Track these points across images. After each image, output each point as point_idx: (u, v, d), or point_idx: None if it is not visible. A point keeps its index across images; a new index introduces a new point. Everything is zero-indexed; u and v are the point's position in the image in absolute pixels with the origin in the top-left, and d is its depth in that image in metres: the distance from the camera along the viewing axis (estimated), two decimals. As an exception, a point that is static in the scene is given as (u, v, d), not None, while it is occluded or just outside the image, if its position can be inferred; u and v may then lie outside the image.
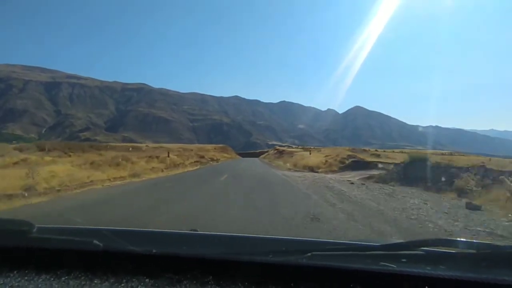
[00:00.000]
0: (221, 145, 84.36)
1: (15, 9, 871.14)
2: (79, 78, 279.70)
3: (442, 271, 0.83)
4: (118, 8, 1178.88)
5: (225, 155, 56.44)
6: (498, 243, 2.00)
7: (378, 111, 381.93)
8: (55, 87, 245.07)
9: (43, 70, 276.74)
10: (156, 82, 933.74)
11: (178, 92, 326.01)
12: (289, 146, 78.58)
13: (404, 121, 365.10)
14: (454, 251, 0.95)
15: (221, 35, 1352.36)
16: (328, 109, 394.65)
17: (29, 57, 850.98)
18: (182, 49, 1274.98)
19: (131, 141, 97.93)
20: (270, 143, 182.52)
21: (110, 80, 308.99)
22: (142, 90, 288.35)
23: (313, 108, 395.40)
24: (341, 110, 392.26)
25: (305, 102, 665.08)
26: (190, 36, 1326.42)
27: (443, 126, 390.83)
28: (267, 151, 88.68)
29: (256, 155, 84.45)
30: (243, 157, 74.57)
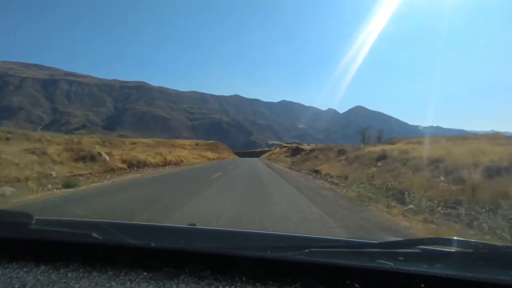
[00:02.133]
0: (211, 141, 71.82)
1: (15, 7, 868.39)
2: (77, 75, 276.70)
3: (438, 270, 0.84)
4: (118, 7, 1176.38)
5: (209, 154, 40.91)
6: (496, 243, 1.85)
7: (379, 111, 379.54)
8: (53, 84, 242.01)
9: (41, 67, 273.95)
10: (155, 80, 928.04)
11: (178, 91, 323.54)
12: (298, 143, 63.92)
13: (405, 121, 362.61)
14: (451, 250, 0.95)
15: (221, 34, 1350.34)
16: (329, 108, 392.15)
17: (28, 55, 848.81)
18: (182, 47, 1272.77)
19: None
20: (270, 142, 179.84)
21: (109, 78, 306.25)
22: (141, 88, 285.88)
23: (314, 107, 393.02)
24: (342, 109, 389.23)
25: (306, 102, 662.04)
26: (190, 34, 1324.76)
27: (444, 126, 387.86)
28: (269, 150, 76.79)
29: (256, 154, 76.26)
30: (241, 156, 65.92)
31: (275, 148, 69.32)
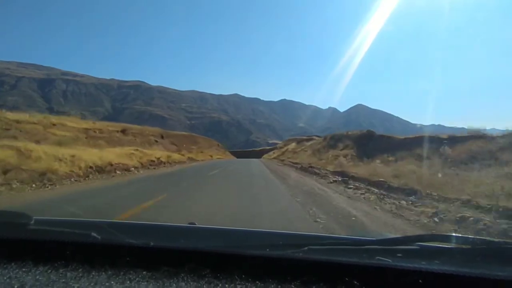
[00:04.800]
0: (185, 133, 52.63)
1: (15, 7, 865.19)
2: (74, 75, 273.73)
3: (436, 266, 0.84)
4: (118, 7, 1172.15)
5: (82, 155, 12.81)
6: (493, 239, 1.92)
7: (380, 109, 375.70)
8: (49, 84, 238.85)
9: (38, 67, 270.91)
10: (154, 79, 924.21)
11: (177, 90, 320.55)
12: (309, 137, 44.15)
13: (407, 119, 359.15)
14: (449, 246, 0.96)
15: (221, 33, 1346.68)
16: (329, 107, 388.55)
17: (27, 55, 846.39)
18: (182, 46, 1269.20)
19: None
20: (270, 141, 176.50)
21: (107, 77, 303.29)
22: (139, 88, 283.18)
23: (314, 106, 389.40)
24: (342, 108, 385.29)
25: (306, 101, 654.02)
26: (190, 33, 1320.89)
27: (446, 125, 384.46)
28: (274, 148, 62.09)
29: (257, 154, 64.34)
30: (239, 157, 53.50)
31: (288, 144, 46.95)
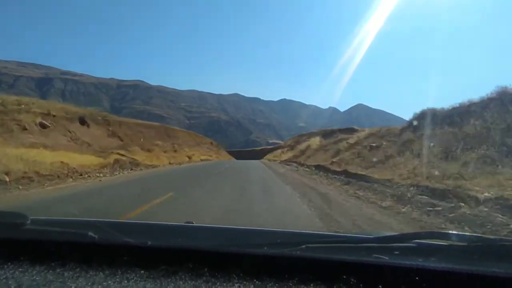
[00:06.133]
0: (157, 123, 39.66)
1: (15, 7, 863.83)
2: (73, 74, 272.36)
3: (433, 263, 0.85)
4: (118, 6, 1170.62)
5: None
6: (489, 236, 1.91)
7: (381, 109, 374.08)
8: (47, 83, 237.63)
9: (37, 66, 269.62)
10: (153, 79, 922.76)
11: (176, 89, 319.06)
12: (350, 128, 27.92)
13: (407, 119, 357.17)
14: (446, 244, 0.96)
15: (221, 33, 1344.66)
16: (330, 107, 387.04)
17: (28, 55, 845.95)
18: (182, 46, 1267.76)
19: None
20: (270, 141, 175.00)
21: (107, 77, 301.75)
22: (138, 87, 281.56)
23: (314, 106, 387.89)
24: (343, 107, 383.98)
25: (306, 100, 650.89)
26: (190, 33, 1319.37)
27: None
28: (277, 148, 52.54)
29: (257, 153, 59.68)
30: (238, 158, 48.40)
31: (303, 140, 33.47)
